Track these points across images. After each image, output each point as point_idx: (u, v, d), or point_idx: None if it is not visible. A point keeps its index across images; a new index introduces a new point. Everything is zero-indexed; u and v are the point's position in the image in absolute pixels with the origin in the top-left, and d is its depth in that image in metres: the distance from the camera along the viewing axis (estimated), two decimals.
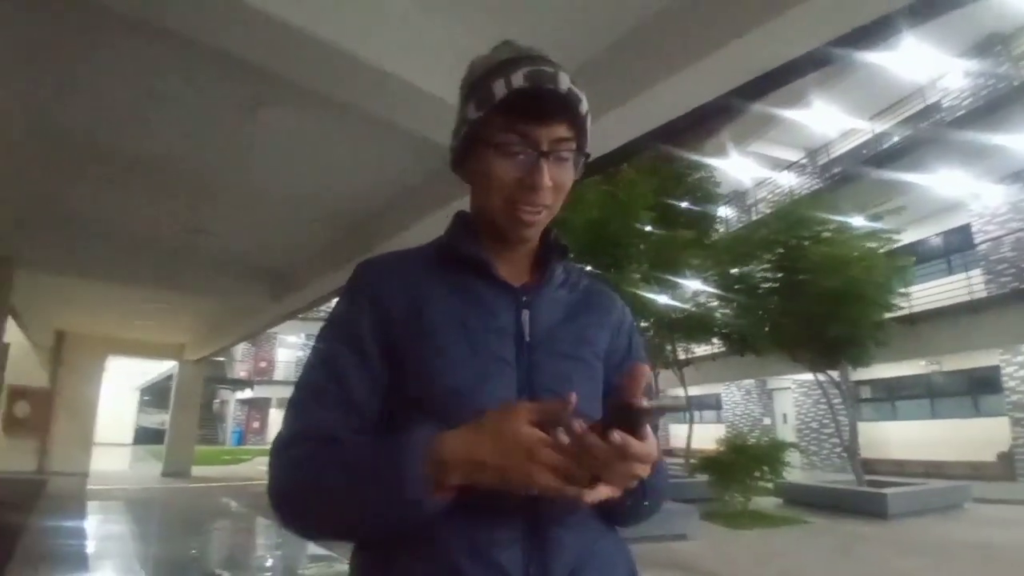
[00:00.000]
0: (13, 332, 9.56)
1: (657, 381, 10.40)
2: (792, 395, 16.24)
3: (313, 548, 5.96)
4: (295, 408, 0.69)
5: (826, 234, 8.43)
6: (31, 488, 8.89)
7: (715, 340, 11.29)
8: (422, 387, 0.68)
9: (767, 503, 8.32)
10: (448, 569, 0.62)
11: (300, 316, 8.92)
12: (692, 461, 9.54)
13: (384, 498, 0.60)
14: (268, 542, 6.85)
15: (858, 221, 8.67)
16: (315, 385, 0.70)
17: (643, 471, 0.58)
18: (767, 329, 9.25)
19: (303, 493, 0.64)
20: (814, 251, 8.16)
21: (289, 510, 0.65)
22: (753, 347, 9.72)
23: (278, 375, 27.68)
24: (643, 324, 8.93)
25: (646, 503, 0.70)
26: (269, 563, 5.85)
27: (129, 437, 25.66)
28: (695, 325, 9.76)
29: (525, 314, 0.74)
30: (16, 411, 11.46)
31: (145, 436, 25.82)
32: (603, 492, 0.58)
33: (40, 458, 11.58)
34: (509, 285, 0.75)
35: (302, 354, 27.45)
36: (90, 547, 5.76)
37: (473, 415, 0.61)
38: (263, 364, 28.18)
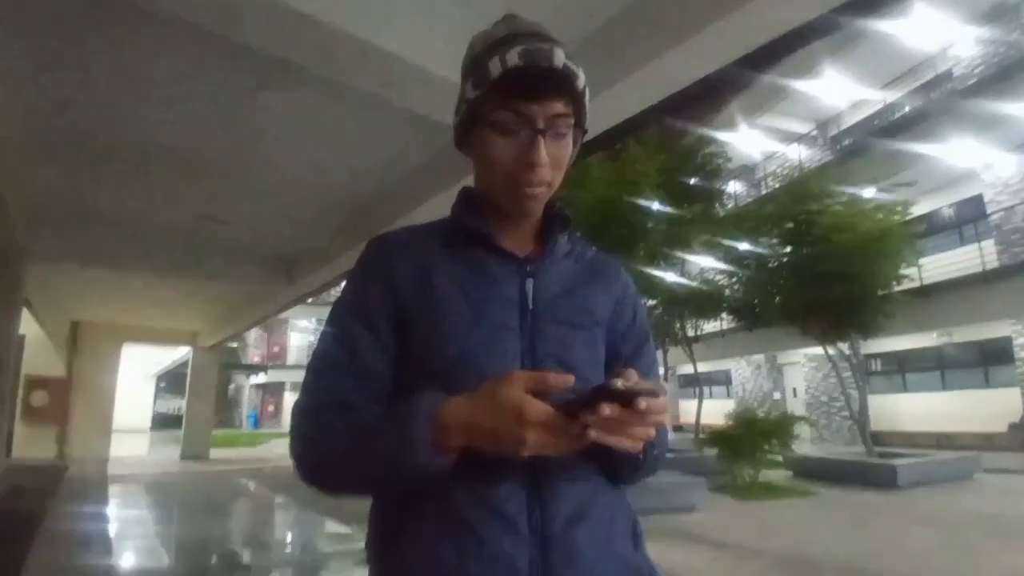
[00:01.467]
0: (29, 323, 9.74)
1: (666, 358, 10.45)
2: (802, 369, 16.26)
3: (330, 526, 6.11)
4: (313, 378, 0.74)
5: (836, 207, 8.37)
6: (52, 474, 9.11)
7: (724, 316, 11.30)
8: (429, 355, 0.72)
9: (776, 476, 8.39)
10: (456, 520, 0.67)
11: (311, 300, 9.01)
12: (701, 436, 9.61)
13: (394, 460, 0.65)
14: (285, 520, 7.03)
15: (869, 193, 8.60)
16: (331, 357, 0.74)
17: (643, 433, 0.61)
18: (777, 302, 9.24)
19: (322, 457, 0.70)
20: (824, 222, 8.12)
21: (311, 472, 0.70)
22: (763, 321, 9.72)
23: (291, 360, 28.01)
24: (651, 302, 8.95)
25: (644, 460, 0.73)
26: (288, 540, 6.01)
27: (147, 423, 26.14)
28: (704, 301, 9.75)
29: (529, 283, 0.77)
30: (34, 400, 11.70)
31: (162, 422, 26.33)
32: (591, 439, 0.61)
33: (60, 445, 11.85)
34: (513, 256, 0.78)
35: (313, 338, 27.72)
36: (112, 529, 5.93)
37: (477, 381, 0.65)
38: (276, 349, 28.52)
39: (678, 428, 18.59)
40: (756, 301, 9.56)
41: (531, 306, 0.76)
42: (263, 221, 6.18)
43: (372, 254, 0.79)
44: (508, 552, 0.66)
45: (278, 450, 14.82)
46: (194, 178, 4.95)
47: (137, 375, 23.40)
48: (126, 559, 4.64)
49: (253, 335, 27.74)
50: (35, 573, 1.94)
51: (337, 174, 4.88)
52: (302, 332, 28.73)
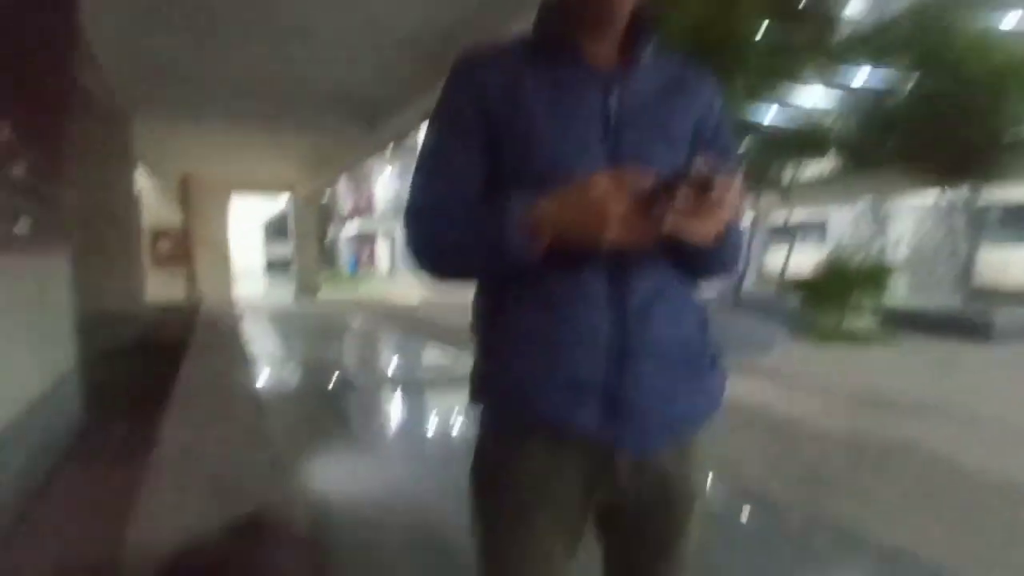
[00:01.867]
0: (145, 178, 10.67)
1: (759, 203, 9.93)
2: (907, 219, 14.96)
3: (428, 357, 6.84)
4: (417, 184, 0.83)
5: (969, 33, 7.05)
6: (187, 311, 10.53)
7: (828, 158, 10.33)
8: (517, 166, 0.78)
9: (862, 325, 8.20)
10: (547, 297, 0.78)
11: (395, 146, 9.14)
12: (786, 285, 9.38)
13: (492, 253, 0.74)
14: (391, 346, 7.91)
15: (1008, 23, 7.10)
16: (430, 164, 0.82)
17: (716, 224, 0.67)
18: (891, 141, 8.28)
19: (432, 252, 0.82)
20: (954, 50, 6.92)
21: (425, 263, 0.83)
22: (872, 163, 8.82)
23: (380, 207, 29.21)
24: (747, 141, 8.30)
25: (719, 252, 0.79)
26: (395, 362, 6.83)
27: (260, 268, 29.08)
28: (808, 140, 8.88)
29: (613, 95, 0.78)
30: (161, 248, 13.28)
31: (273, 266, 29.16)
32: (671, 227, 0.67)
33: (188, 288, 13.57)
34: (597, 67, 0.78)
35: (399, 186, 28.57)
36: (249, 350, 6.96)
37: (563, 187, 0.72)
38: (364, 200, 29.77)
39: (763, 279, 18.21)
40: (867, 140, 8.59)
41: (615, 117, 0.78)
42: (346, 69, 6.19)
43: (460, 68, 0.82)
44: (593, 323, 0.76)
45: (376, 291, 16.23)
46: (282, 35, 4.97)
47: (246, 224, 25.58)
48: (263, 374, 5.51)
49: (343, 186, 28.93)
50: (186, 386, 2.40)
51: (414, 10, 4.69)
52: (389, 179, 29.53)
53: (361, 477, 2.75)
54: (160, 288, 12.68)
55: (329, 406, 4.40)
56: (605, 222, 0.67)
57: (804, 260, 12.07)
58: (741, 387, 4.64)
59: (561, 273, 0.77)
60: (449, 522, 2.42)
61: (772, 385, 4.84)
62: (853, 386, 4.77)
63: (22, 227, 2.53)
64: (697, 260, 0.81)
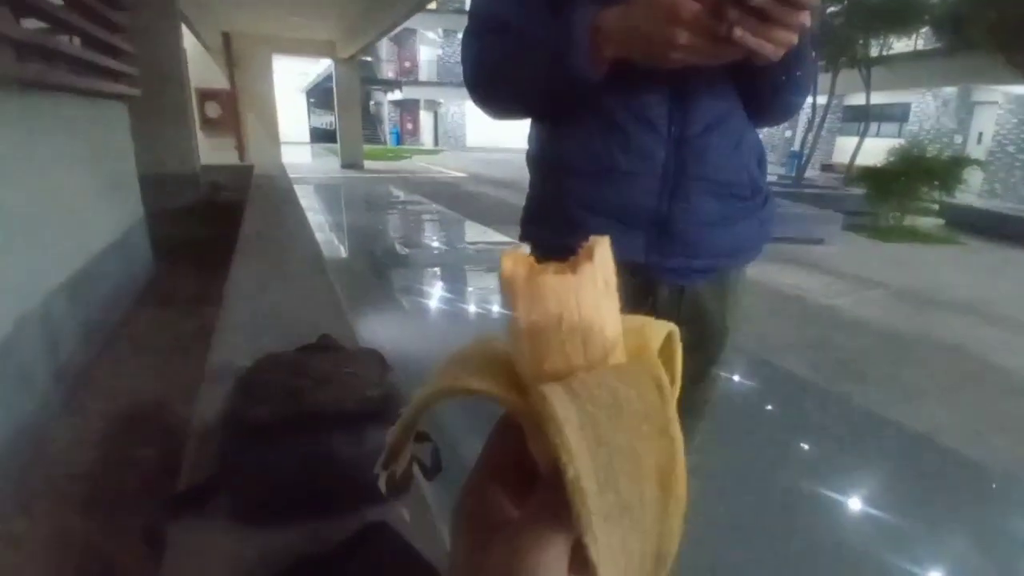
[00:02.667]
0: (187, 37, 10.40)
1: (833, 84, 9.09)
2: (997, 111, 13.48)
3: (470, 227, 6.92)
4: (476, 6, 0.81)
5: None
6: (242, 173, 10.76)
7: (921, 33, 9.19)
8: None
9: (925, 222, 7.80)
10: (607, 121, 0.77)
11: (437, 6, 8.56)
12: (853, 172, 8.83)
13: (554, 69, 0.72)
14: (433, 217, 8.02)
15: None
16: None
17: (786, 38, 0.63)
18: (992, 17, 7.26)
19: (488, 75, 0.80)
20: None
21: (481, 92, 0.82)
22: (967, 44, 7.82)
23: (422, 76, 28.12)
24: (831, 9, 7.41)
25: (786, 81, 0.75)
26: (437, 232, 6.97)
27: (305, 136, 28.98)
28: (900, 10, 7.88)
29: None
30: (208, 112, 13.23)
31: (317, 135, 29.02)
32: (736, 50, 0.63)
33: (239, 151, 13.70)
34: None
35: (442, 52, 27.16)
36: (303, 206, 7.18)
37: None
38: (407, 64, 28.57)
39: (828, 167, 17.14)
40: (966, 14, 7.54)
41: None
42: None
43: None
44: (650, 148, 0.76)
45: (420, 164, 16.09)
46: None
47: (290, 90, 25.14)
48: (317, 233, 5.72)
49: (385, 50, 27.68)
50: (246, 242, 2.53)
51: None
52: (430, 45, 28.09)
53: (407, 340, 2.95)
54: (211, 152, 12.87)
55: (375, 275, 4.60)
56: (676, 29, 0.64)
57: (876, 148, 11.24)
58: (789, 275, 4.59)
59: (621, 96, 0.75)
60: None
61: (821, 275, 4.77)
62: (904, 282, 4.64)
63: (85, 77, 2.57)
64: (763, 88, 0.77)
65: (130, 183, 3.32)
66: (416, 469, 1.00)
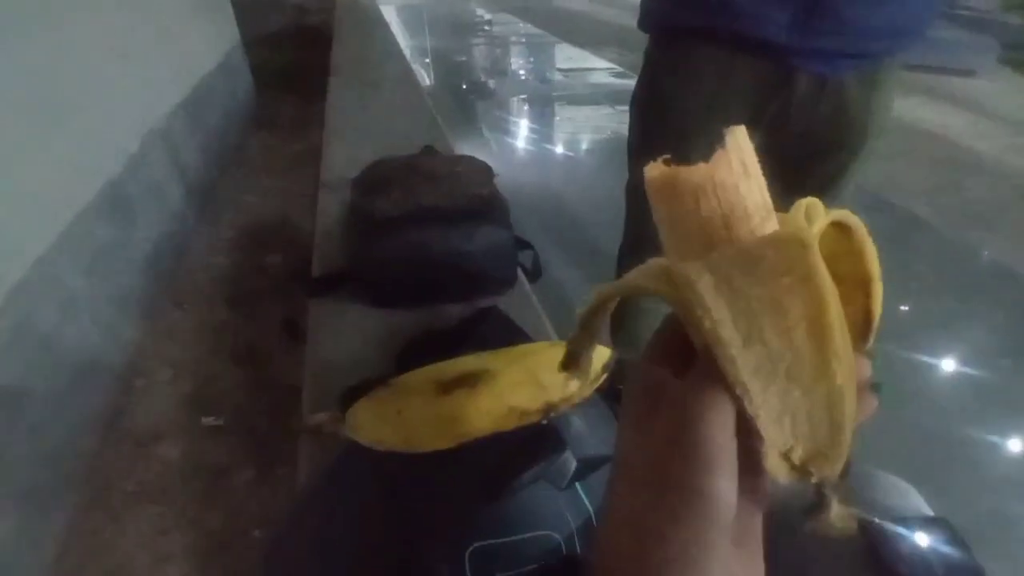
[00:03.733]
0: None
1: None
2: None
3: (563, 50, 6.44)
4: None
5: None
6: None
7: None
8: None
9: None
10: None
11: None
12: None
13: None
14: (525, 45, 7.51)
15: None
16: None
17: None
18: None
19: None
20: None
21: None
22: None
23: None
24: None
25: None
26: (528, 63, 6.57)
27: None
28: None
29: None
30: None
31: None
32: None
33: None
34: None
35: None
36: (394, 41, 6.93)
37: None
38: None
39: None
40: None
41: None
42: None
43: None
44: None
45: None
46: None
47: None
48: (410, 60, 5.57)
49: None
50: (341, 65, 2.48)
51: None
52: None
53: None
54: None
55: (460, 108, 4.48)
56: None
57: None
58: (930, 110, 4.03)
59: None
60: (578, 207, 2.61)
61: (966, 112, 4.14)
62: None
63: None
64: None
65: (223, 6, 3.29)
66: (520, 273, 1.05)
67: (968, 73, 5.09)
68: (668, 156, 0.23)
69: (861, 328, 0.25)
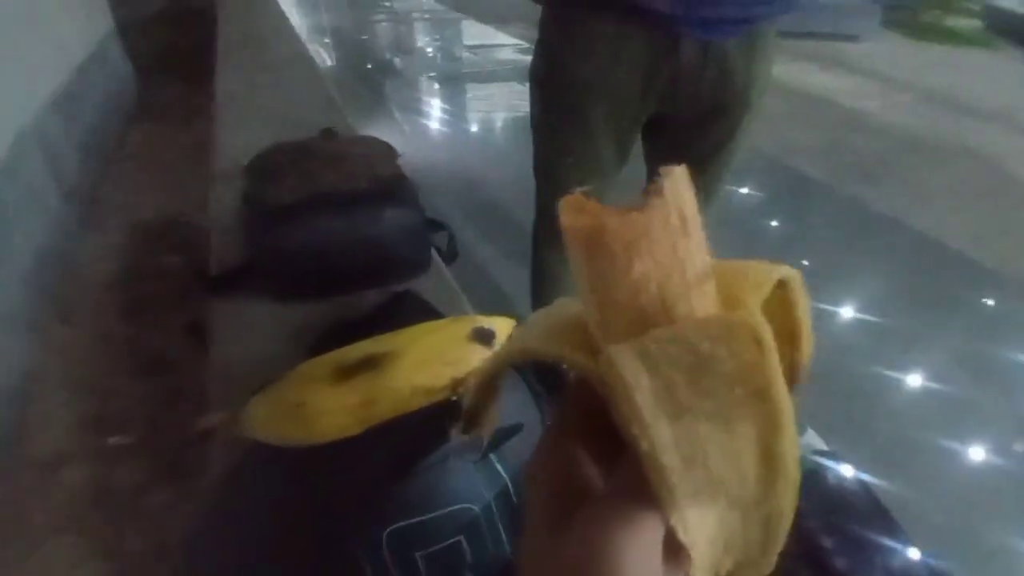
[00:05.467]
0: None
1: None
2: None
3: (469, 27, 6.34)
4: None
5: None
6: None
7: None
8: None
9: (966, 24, 7.06)
10: None
11: None
12: None
13: None
14: (429, 22, 7.34)
15: None
16: None
17: None
18: None
19: None
20: None
21: None
22: None
23: None
24: None
25: None
26: (434, 40, 6.43)
27: None
28: None
29: None
30: None
31: None
32: None
33: None
34: None
35: None
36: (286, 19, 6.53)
37: None
38: None
39: None
40: None
41: None
42: None
43: None
44: None
45: None
46: None
47: None
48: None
49: None
50: (227, 46, 2.31)
51: None
52: None
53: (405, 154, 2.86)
54: None
55: (366, 88, 4.33)
56: None
57: None
58: (816, 75, 4.31)
59: None
60: (492, 186, 2.60)
61: (850, 76, 4.47)
62: (936, 86, 4.36)
63: None
64: None
65: None
66: (435, 254, 1.03)
67: (853, 38, 5.48)
68: (586, 189, 0.20)
69: (787, 381, 0.22)
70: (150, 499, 1.31)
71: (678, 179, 0.20)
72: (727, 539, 0.18)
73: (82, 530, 1.25)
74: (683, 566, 0.19)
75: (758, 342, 0.18)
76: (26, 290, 1.69)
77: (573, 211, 0.20)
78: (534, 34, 0.96)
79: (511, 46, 5.16)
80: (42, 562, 1.19)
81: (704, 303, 0.20)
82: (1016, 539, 1.27)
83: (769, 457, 0.18)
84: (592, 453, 0.22)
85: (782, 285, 0.22)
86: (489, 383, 0.25)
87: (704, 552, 0.18)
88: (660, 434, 0.17)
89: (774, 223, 2.47)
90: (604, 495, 0.20)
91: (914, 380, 1.70)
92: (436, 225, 1.02)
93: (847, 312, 1.95)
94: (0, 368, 1.49)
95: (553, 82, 0.90)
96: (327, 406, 0.43)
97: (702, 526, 0.18)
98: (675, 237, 0.19)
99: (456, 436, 0.27)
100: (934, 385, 1.68)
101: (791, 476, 0.18)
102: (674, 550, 0.19)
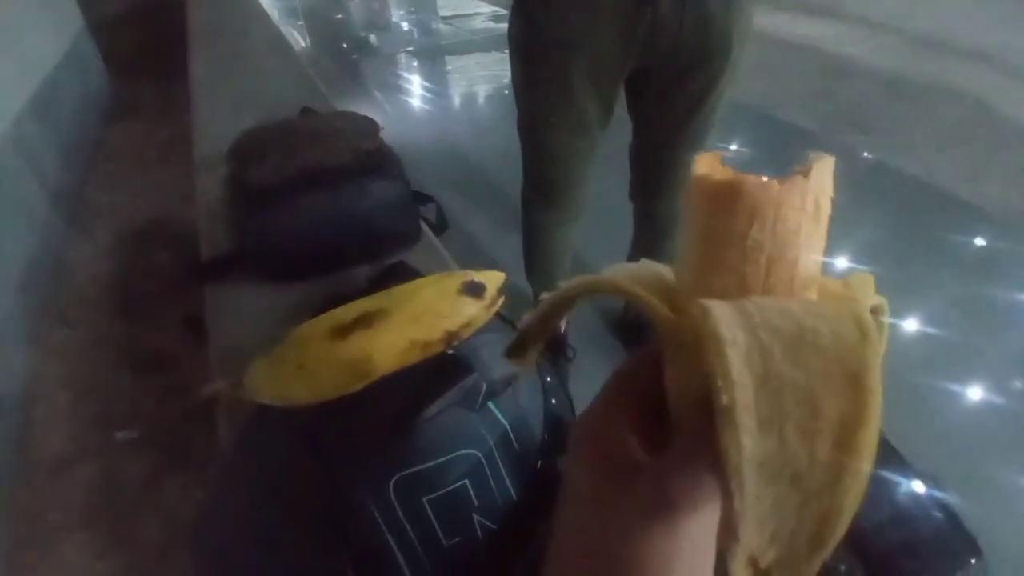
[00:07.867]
0: None
1: None
2: None
3: (447, 7, 6.21)
4: None
5: None
6: None
7: None
8: None
9: None
10: None
11: None
12: None
13: None
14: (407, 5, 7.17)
15: None
16: None
17: None
18: None
19: None
20: None
21: None
22: None
23: None
24: None
25: None
26: (408, 13, 6.30)
27: None
28: None
29: None
30: None
31: None
32: None
33: None
34: None
35: None
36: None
37: None
38: None
39: None
40: None
41: None
42: None
43: None
44: None
45: None
46: None
47: None
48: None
49: None
50: (199, 38, 2.26)
51: None
52: None
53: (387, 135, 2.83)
54: None
55: (344, 66, 4.26)
56: None
57: None
58: (801, 24, 4.25)
59: None
60: (477, 156, 2.58)
61: (835, 22, 4.41)
62: (922, 28, 4.30)
63: None
64: None
65: None
66: (424, 226, 1.03)
67: None
68: (718, 151, 0.20)
69: None
70: (161, 489, 1.33)
71: (825, 167, 0.20)
72: (776, 526, 0.17)
73: (97, 525, 1.27)
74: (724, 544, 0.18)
75: (860, 327, 0.18)
76: (21, 296, 1.69)
77: (707, 166, 0.20)
78: (508, 1, 0.95)
79: (486, 14, 5.07)
80: (61, 560, 1.21)
81: (809, 293, 0.20)
82: (1017, 475, 1.30)
83: (845, 446, 0.17)
84: (635, 428, 0.21)
85: (875, 310, 0.22)
86: (554, 311, 0.24)
87: (751, 532, 0.17)
88: (744, 392, 0.17)
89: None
90: (668, 458, 0.19)
91: (910, 324, 1.72)
92: (423, 197, 1.02)
93: (841, 262, 1.96)
94: (1, 374, 1.49)
95: (532, 41, 0.89)
96: (327, 364, 0.44)
97: (758, 501, 0.17)
98: (803, 220, 0.19)
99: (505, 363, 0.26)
100: (929, 328, 1.70)
101: (861, 474, 0.17)
102: (721, 527, 0.18)
